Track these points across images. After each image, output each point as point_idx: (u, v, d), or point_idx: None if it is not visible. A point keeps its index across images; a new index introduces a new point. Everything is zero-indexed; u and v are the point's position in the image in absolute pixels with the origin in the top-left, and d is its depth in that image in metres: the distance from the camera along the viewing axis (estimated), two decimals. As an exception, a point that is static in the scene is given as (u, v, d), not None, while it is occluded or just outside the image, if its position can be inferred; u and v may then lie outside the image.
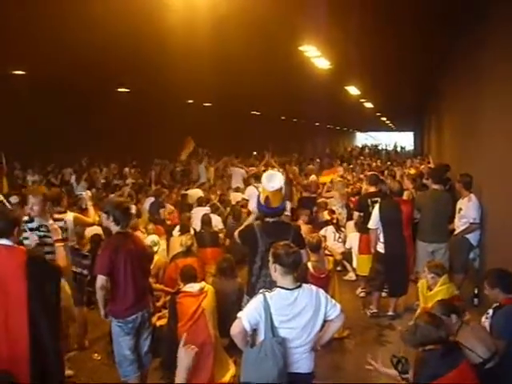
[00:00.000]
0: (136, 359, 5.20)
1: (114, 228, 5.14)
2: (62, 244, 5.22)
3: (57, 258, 4.94)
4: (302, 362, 3.90)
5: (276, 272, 3.91)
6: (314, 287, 3.97)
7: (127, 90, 21.15)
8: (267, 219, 5.37)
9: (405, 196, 8.92)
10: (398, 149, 51.80)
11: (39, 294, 4.10)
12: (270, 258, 3.98)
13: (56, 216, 5.84)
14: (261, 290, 3.94)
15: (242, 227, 5.63)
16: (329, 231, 10.07)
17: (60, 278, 4.66)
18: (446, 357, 4.01)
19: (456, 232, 8.05)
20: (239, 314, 3.87)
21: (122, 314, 5.06)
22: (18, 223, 4.52)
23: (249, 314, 3.81)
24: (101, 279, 4.86)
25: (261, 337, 3.81)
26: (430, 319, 4.22)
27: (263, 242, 5.16)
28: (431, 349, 4.08)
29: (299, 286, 3.88)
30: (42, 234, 5.63)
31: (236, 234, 5.60)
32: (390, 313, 7.82)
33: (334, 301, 4.01)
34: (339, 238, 10.01)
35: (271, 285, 5.03)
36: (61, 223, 5.82)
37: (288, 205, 11.01)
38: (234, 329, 3.83)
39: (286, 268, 3.84)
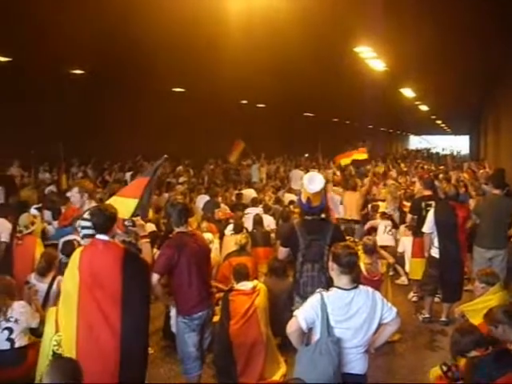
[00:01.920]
0: (200, 356, 5.26)
1: (175, 228, 5.24)
2: (148, 240, 5.31)
3: (143, 254, 5.01)
4: (357, 363, 3.90)
5: (333, 271, 3.96)
6: (370, 289, 3.98)
7: (183, 90, 21.45)
8: (307, 217, 5.56)
9: (471, 203, 8.81)
10: (455, 153, 50.84)
11: (133, 290, 4.21)
12: (330, 256, 4.04)
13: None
14: (318, 290, 3.98)
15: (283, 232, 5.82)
16: (382, 224, 10.04)
17: (150, 275, 4.75)
18: (496, 362, 3.99)
19: (513, 238, 7.87)
20: (295, 313, 3.91)
21: (187, 311, 5.12)
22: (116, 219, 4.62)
23: (305, 313, 3.84)
24: (156, 277, 4.88)
25: (316, 336, 3.83)
26: (458, 327, 4.24)
27: (303, 239, 5.35)
28: (480, 355, 4.05)
29: (356, 287, 3.91)
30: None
31: (278, 243, 5.76)
32: (443, 319, 7.67)
33: (390, 304, 4.00)
34: (390, 230, 9.91)
35: (313, 280, 5.19)
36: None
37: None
38: (290, 327, 3.87)
39: (342, 268, 3.88)
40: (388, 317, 3.92)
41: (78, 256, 4.29)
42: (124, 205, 4.92)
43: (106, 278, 4.20)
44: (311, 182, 5.46)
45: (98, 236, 4.38)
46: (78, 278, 4.18)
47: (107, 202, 5.83)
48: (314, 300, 3.88)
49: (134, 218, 5.56)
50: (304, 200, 5.49)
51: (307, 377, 3.62)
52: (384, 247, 9.14)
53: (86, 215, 5.50)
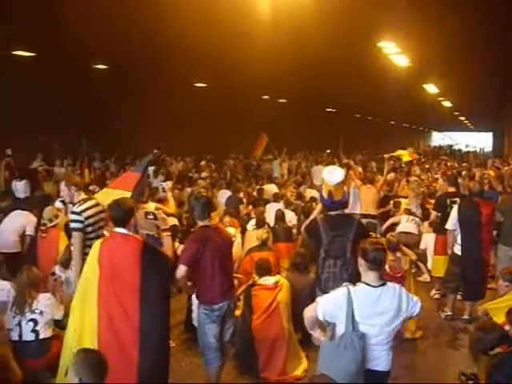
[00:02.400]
0: (220, 347, 5.26)
1: (198, 222, 5.26)
2: (170, 234, 5.31)
3: (164, 248, 5.00)
4: (381, 360, 3.88)
5: (361, 266, 3.93)
6: (397, 286, 3.96)
7: (204, 85, 21.48)
8: (330, 212, 5.51)
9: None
10: (478, 149, 50.34)
11: (152, 283, 4.22)
12: (359, 252, 4.01)
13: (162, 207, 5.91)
14: (344, 284, 3.97)
15: (307, 222, 5.86)
16: (405, 216, 10.05)
17: (170, 269, 4.76)
18: None
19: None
20: (318, 299, 3.93)
21: (207, 302, 5.14)
22: (134, 213, 4.65)
23: (325, 306, 3.83)
24: (183, 269, 4.88)
25: (341, 330, 3.80)
26: (480, 325, 4.27)
27: (326, 234, 5.32)
28: (503, 352, 4.04)
29: (383, 284, 3.87)
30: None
31: (302, 229, 5.86)
32: (466, 317, 7.60)
33: (415, 298, 3.99)
34: (412, 220, 9.87)
35: (335, 276, 5.17)
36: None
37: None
38: (308, 312, 3.89)
39: (369, 263, 3.84)
40: (414, 312, 3.92)
41: (98, 249, 4.33)
42: (115, 196, 4.92)
43: (124, 271, 4.22)
44: (331, 174, 5.46)
45: (117, 229, 4.40)
46: (98, 270, 4.22)
47: (97, 194, 5.90)
48: (339, 294, 3.86)
49: (155, 212, 5.62)
50: (325, 195, 5.45)
51: (330, 370, 3.59)
52: (406, 233, 9.13)
53: (74, 208, 5.51)
